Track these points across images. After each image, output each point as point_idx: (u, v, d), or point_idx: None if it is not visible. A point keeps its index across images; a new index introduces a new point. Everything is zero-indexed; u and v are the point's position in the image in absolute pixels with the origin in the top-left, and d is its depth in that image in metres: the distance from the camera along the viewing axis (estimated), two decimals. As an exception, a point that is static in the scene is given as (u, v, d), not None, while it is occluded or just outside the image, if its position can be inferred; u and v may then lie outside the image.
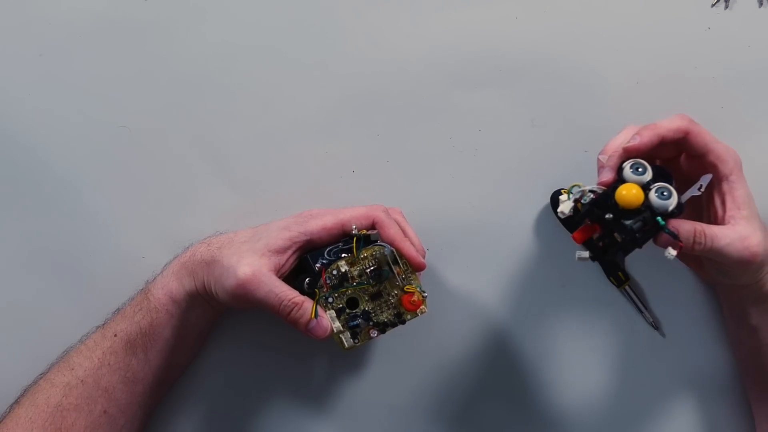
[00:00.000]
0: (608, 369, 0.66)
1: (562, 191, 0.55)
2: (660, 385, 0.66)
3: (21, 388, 0.62)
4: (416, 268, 0.60)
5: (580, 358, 0.66)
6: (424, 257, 0.61)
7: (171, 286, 0.62)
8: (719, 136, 0.59)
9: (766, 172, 0.63)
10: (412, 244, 0.60)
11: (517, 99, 0.66)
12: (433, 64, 0.66)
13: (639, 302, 0.66)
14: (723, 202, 0.56)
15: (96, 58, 0.67)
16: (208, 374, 0.67)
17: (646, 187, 0.53)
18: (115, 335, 0.61)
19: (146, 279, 0.64)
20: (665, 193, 0.52)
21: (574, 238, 0.54)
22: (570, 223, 0.54)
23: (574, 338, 0.66)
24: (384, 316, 0.59)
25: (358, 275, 0.59)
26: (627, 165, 0.53)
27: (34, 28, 0.67)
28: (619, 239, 0.52)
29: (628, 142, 0.54)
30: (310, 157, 0.67)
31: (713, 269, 0.58)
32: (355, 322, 0.59)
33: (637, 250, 0.53)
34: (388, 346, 0.67)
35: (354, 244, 0.59)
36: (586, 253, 0.54)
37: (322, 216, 0.61)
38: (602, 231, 0.53)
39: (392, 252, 0.59)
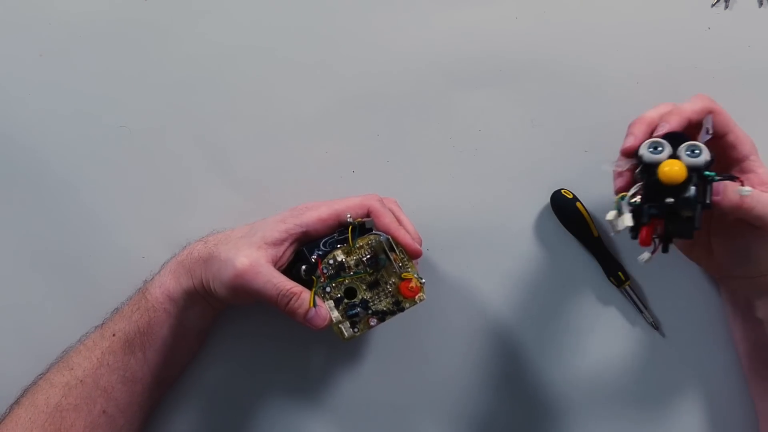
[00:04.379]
0: (608, 369, 0.66)
1: (616, 201, 0.53)
2: (660, 385, 0.66)
3: (20, 388, 0.62)
4: (412, 255, 0.60)
5: (580, 358, 0.66)
6: (420, 245, 0.61)
7: (168, 284, 0.62)
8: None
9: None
10: (408, 232, 0.60)
11: (517, 99, 0.66)
12: (433, 64, 0.66)
13: (639, 302, 0.66)
14: (748, 181, 0.56)
15: (96, 58, 0.67)
16: (208, 373, 0.67)
17: (676, 156, 0.52)
18: (114, 335, 0.61)
19: (146, 278, 0.64)
20: (696, 150, 0.51)
21: (644, 245, 0.52)
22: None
23: (574, 338, 0.66)
24: (383, 305, 0.59)
25: (354, 265, 0.59)
26: (644, 150, 0.52)
27: (34, 28, 0.67)
28: (689, 214, 0.51)
29: (656, 131, 0.54)
30: (310, 157, 0.67)
31: (734, 253, 0.58)
32: (354, 311, 0.58)
33: None
34: (387, 344, 0.67)
35: (349, 234, 0.59)
36: (646, 254, 0.53)
37: (318, 207, 0.61)
38: (666, 219, 0.51)
39: (388, 239, 0.59)
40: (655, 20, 0.65)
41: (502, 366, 0.67)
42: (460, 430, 0.67)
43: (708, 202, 0.52)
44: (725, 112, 0.57)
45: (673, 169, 0.51)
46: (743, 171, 0.57)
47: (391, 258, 0.59)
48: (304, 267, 0.59)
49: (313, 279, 0.58)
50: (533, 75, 0.66)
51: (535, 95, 0.66)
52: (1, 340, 0.67)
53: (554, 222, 0.66)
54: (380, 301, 0.59)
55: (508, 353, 0.67)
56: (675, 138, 0.53)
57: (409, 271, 0.59)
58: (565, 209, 0.65)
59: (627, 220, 0.52)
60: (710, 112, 0.56)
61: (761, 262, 0.58)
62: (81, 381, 0.60)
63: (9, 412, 0.61)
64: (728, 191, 0.53)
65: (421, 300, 0.60)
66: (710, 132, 0.54)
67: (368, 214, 0.60)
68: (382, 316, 0.59)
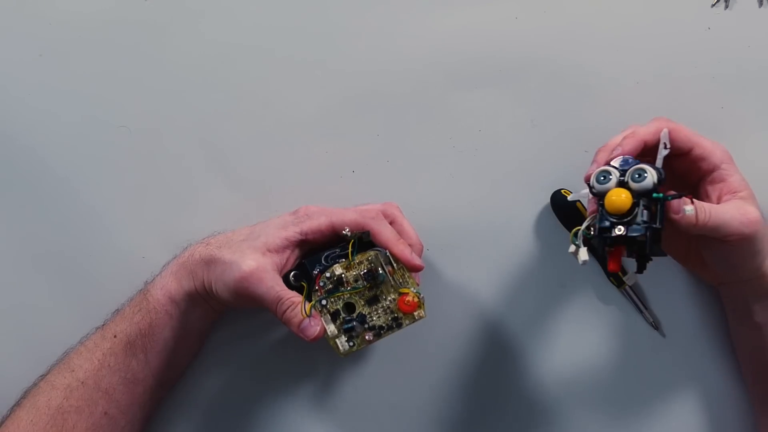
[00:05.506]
0: (608, 369, 0.66)
1: (571, 235, 0.54)
2: (660, 385, 0.66)
3: (21, 389, 0.62)
4: (412, 269, 0.59)
5: (580, 358, 0.66)
6: (421, 254, 0.60)
7: (170, 286, 0.62)
8: (719, 136, 0.59)
9: (766, 172, 0.63)
10: (410, 241, 0.60)
11: (517, 99, 0.66)
12: (433, 64, 0.66)
13: (639, 302, 0.66)
14: (718, 190, 0.57)
15: (96, 58, 0.67)
16: (208, 374, 0.67)
17: (623, 183, 0.52)
18: (115, 336, 0.61)
19: (146, 279, 0.64)
20: (642, 174, 0.51)
21: (612, 271, 0.53)
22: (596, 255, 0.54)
23: (574, 338, 0.66)
24: (381, 321, 0.58)
25: (353, 279, 0.59)
26: (593, 180, 0.53)
27: (34, 28, 0.67)
28: (643, 238, 0.51)
29: (611, 153, 0.54)
30: (310, 157, 0.67)
31: (718, 262, 0.58)
32: (350, 325, 0.58)
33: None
34: (388, 346, 0.67)
35: (350, 248, 0.59)
36: (629, 276, 0.54)
37: (318, 217, 0.61)
38: (626, 245, 0.52)
39: (386, 254, 0.59)
40: (655, 20, 0.65)
41: (502, 365, 0.67)
42: (460, 430, 0.67)
43: (658, 225, 0.51)
44: (685, 128, 0.56)
45: (619, 198, 0.51)
46: (714, 181, 0.57)
47: (387, 271, 0.58)
48: (293, 273, 0.59)
49: (302, 285, 0.58)
50: (533, 75, 0.66)
51: (535, 95, 0.66)
52: (2, 341, 0.67)
53: (554, 222, 0.66)
54: (378, 316, 0.59)
55: (507, 353, 0.67)
56: (627, 163, 0.53)
57: (408, 286, 0.59)
58: (565, 209, 0.65)
59: (583, 254, 0.53)
60: (668, 131, 0.56)
61: (744, 267, 0.58)
62: (82, 383, 0.61)
63: (10, 413, 0.61)
64: (687, 210, 0.53)
65: (420, 317, 0.58)
66: (668, 147, 0.54)
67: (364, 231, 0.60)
68: (378, 331, 0.58)
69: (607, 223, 0.51)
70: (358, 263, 0.59)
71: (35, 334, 0.67)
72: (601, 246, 0.52)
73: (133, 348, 0.61)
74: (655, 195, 0.51)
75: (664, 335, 0.66)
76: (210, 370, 0.67)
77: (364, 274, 0.58)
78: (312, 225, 0.60)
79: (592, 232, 0.53)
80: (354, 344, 0.58)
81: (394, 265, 0.59)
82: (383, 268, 0.58)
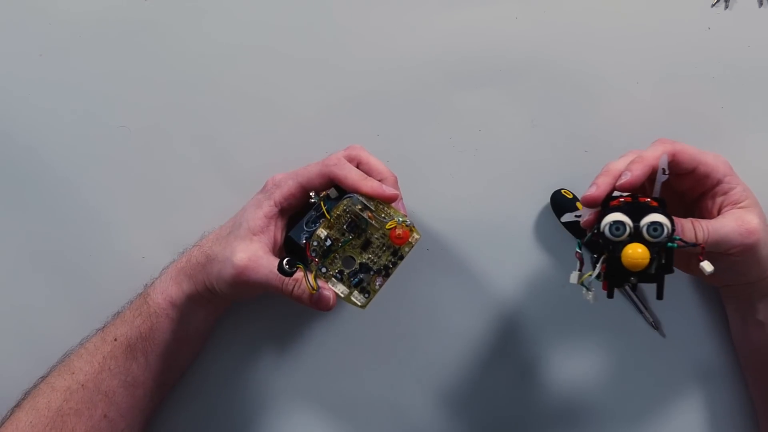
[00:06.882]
0: (608, 369, 0.66)
1: (579, 280, 0.56)
2: (660, 385, 0.66)
3: (21, 390, 0.62)
4: (388, 200, 0.58)
5: (581, 358, 0.66)
6: (395, 184, 0.60)
7: (171, 291, 0.62)
8: (719, 136, 0.59)
9: (766, 172, 0.64)
10: (381, 176, 0.59)
11: (517, 99, 0.66)
12: (433, 63, 0.66)
13: (639, 302, 0.66)
14: (719, 203, 0.57)
15: (96, 57, 0.67)
16: (207, 374, 0.67)
17: (638, 233, 0.52)
18: (115, 339, 0.61)
19: (147, 280, 0.64)
20: (657, 228, 0.51)
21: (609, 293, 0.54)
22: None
23: (574, 338, 0.66)
24: (382, 261, 0.58)
25: (340, 235, 0.58)
26: (606, 229, 0.52)
27: (34, 28, 0.67)
28: (659, 283, 0.53)
29: (620, 180, 0.54)
30: (310, 157, 0.67)
31: (723, 270, 0.58)
32: (357, 279, 0.58)
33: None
34: (388, 344, 0.67)
35: (324, 208, 0.58)
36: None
37: (285, 183, 0.60)
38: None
39: (358, 199, 0.58)
40: (655, 20, 0.65)
41: (502, 366, 0.67)
42: (460, 429, 0.67)
43: (671, 271, 0.52)
44: (688, 146, 0.56)
45: (636, 253, 0.51)
46: (716, 194, 0.57)
47: (367, 216, 0.58)
48: (286, 261, 0.56)
49: (298, 267, 0.57)
50: (533, 75, 0.66)
51: (535, 95, 0.66)
52: (2, 342, 0.67)
53: (554, 222, 0.66)
54: (378, 257, 0.58)
55: (507, 353, 0.67)
56: (635, 208, 0.52)
57: (392, 219, 0.58)
58: (565, 209, 0.65)
59: (590, 297, 0.55)
60: (673, 153, 0.55)
61: (750, 273, 0.58)
62: (82, 385, 0.61)
63: (10, 415, 0.61)
64: (686, 231, 0.54)
65: (416, 240, 0.58)
66: (666, 173, 0.54)
67: (332, 181, 0.59)
68: (385, 271, 0.58)
69: (619, 272, 0.52)
70: (336, 218, 0.58)
71: (34, 334, 0.67)
72: (612, 292, 0.53)
73: (134, 351, 0.61)
74: (669, 245, 0.52)
75: (664, 335, 0.66)
76: (208, 370, 0.67)
77: (349, 224, 0.58)
78: (283, 193, 0.60)
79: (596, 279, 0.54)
80: (368, 294, 0.58)
81: (371, 204, 0.58)
82: (361, 213, 0.58)
